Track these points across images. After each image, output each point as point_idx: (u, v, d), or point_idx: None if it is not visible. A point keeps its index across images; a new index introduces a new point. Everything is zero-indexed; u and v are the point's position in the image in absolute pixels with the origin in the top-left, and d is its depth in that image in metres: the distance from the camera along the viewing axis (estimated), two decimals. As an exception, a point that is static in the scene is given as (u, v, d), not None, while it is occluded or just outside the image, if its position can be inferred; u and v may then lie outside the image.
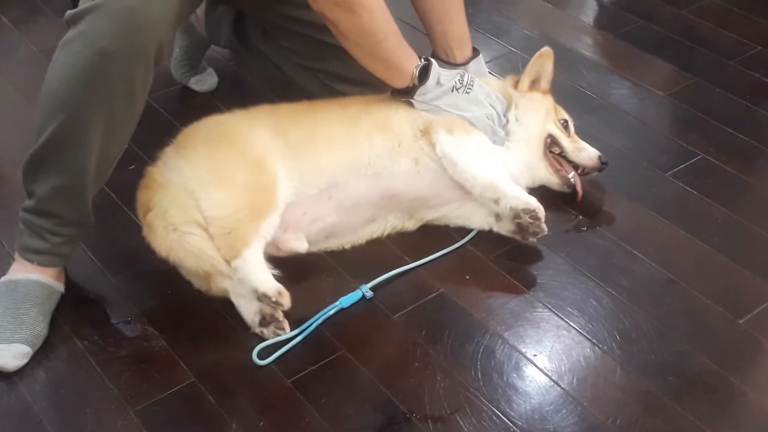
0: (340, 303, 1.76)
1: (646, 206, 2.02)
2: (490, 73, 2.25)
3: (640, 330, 1.71)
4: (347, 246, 1.91)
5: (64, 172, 1.68)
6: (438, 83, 1.90)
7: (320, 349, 1.68)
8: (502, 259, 1.88)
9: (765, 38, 2.65)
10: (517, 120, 2.00)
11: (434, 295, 1.80)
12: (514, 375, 1.64)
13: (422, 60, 1.87)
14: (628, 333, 1.71)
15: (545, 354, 1.68)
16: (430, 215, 1.95)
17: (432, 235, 1.94)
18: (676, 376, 1.63)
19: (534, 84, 2.06)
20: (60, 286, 1.78)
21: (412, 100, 1.91)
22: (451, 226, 1.95)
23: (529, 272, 1.85)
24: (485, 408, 1.57)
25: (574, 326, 1.73)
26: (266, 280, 1.66)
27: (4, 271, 1.77)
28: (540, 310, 1.77)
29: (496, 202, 1.84)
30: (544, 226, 1.84)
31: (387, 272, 1.82)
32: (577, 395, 1.59)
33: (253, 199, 1.72)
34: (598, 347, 1.68)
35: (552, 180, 2.01)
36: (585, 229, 1.97)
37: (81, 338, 1.72)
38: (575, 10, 2.89)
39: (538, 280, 1.83)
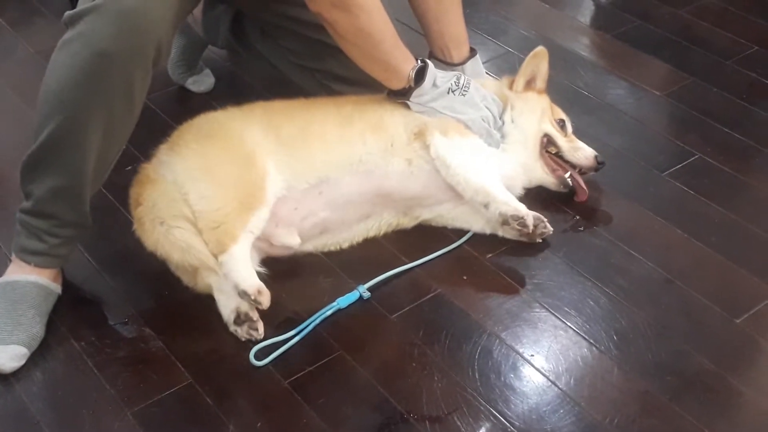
0: (338, 303, 1.76)
1: (644, 206, 2.02)
2: (487, 73, 2.25)
3: (638, 330, 1.71)
4: (344, 244, 1.91)
5: (62, 173, 1.68)
6: (434, 85, 1.90)
7: (318, 349, 1.68)
8: (500, 260, 1.88)
9: (762, 38, 2.65)
10: (512, 121, 2.00)
11: (431, 295, 1.80)
12: (512, 375, 1.64)
13: (419, 62, 1.87)
14: (626, 333, 1.71)
15: (542, 354, 1.68)
16: (426, 214, 1.95)
17: (429, 235, 1.94)
18: (673, 375, 1.63)
19: (529, 84, 2.06)
20: (57, 288, 1.78)
21: (408, 102, 1.91)
22: (449, 227, 1.95)
23: (526, 272, 1.85)
24: (482, 408, 1.57)
25: (572, 326, 1.73)
26: (248, 278, 1.66)
27: (1, 273, 1.77)
28: (537, 310, 1.77)
29: (486, 206, 1.85)
30: (549, 225, 1.87)
31: (384, 272, 1.82)
32: (574, 395, 1.59)
33: (241, 193, 1.73)
34: (596, 347, 1.68)
35: (548, 180, 2.01)
36: (582, 229, 1.97)
37: (78, 339, 1.72)
38: (572, 11, 2.89)
39: (536, 280, 1.83)
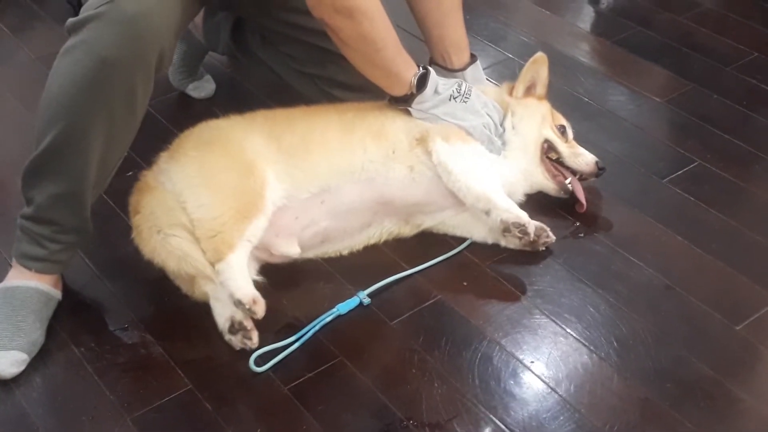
0: (338, 309, 1.75)
1: (644, 213, 2.02)
2: (487, 79, 2.25)
3: (638, 337, 1.71)
4: (344, 252, 1.91)
5: (64, 180, 1.68)
6: (436, 92, 1.90)
7: (318, 355, 1.68)
8: (500, 266, 1.88)
9: (762, 45, 2.65)
10: (513, 127, 2.00)
11: (431, 301, 1.80)
12: (512, 382, 1.64)
13: (421, 68, 1.88)
14: (626, 340, 1.71)
15: (542, 361, 1.68)
16: (428, 222, 1.95)
17: (429, 241, 1.94)
18: (673, 382, 1.63)
19: (530, 90, 2.06)
20: (57, 293, 1.78)
21: (409, 109, 1.91)
22: (450, 235, 1.95)
23: (526, 279, 1.85)
24: (482, 415, 1.57)
25: (572, 333, 1.73)
26: (244, 287, 1.65)
27: (1, 278, 1.77)
28: (537, 316, 1.77)
29: (488, 213, 1.85)
30: (551, 234, 1.87)
31: (384, 279, 1.82)
32: (574, 402, 1.59)
33: (239, 202, 1.73)
34: (596, 354, 1.68)
35: (549, 186, 2.01)
36: (582, 235, 1.97)
37: (78, 345, 1.72)
38: (572, 17, 2.89)
39: (536, 287, 1.83)
